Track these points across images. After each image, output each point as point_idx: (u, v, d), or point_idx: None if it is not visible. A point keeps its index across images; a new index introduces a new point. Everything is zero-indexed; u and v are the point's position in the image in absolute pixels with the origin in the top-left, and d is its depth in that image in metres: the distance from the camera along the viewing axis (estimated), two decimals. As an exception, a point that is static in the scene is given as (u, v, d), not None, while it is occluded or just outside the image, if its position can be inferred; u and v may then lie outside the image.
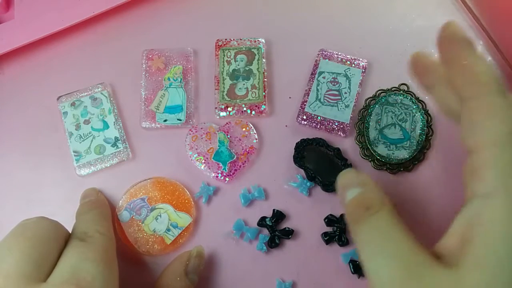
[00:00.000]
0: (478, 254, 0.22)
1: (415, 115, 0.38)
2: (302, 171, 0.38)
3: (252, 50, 0.41)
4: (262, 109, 0.39)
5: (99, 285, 0.27)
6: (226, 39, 0.41)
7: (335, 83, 0.40)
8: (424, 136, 0.38)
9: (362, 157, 0.38)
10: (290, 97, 0.40)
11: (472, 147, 0.25)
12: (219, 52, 0.41)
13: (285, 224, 0.37)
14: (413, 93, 0.39)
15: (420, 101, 0.39)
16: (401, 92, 0.39)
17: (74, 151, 0.38)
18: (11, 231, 0.28)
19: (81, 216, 0.34)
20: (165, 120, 0.39)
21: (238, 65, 0.40)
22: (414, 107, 0.38)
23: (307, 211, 0.37)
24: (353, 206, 0.28)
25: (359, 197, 0.28)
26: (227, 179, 0.38)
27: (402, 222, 0.26)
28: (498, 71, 0.26)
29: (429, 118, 0.38)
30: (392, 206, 0.27)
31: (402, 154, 0.37)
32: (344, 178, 0.30)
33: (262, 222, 0.36)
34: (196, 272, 0.34)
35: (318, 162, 0.37)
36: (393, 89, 0.39)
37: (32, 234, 0.28)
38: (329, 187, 0.37)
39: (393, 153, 0.38)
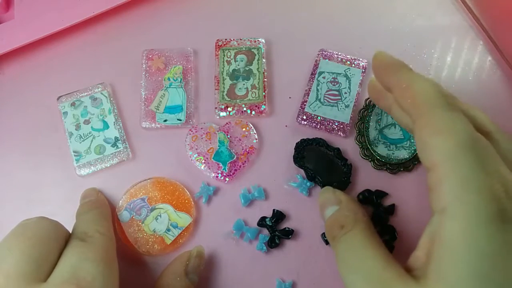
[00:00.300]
0: (439, 267, 0.23)
1: (415, 115, 0.38)
2: (302, 171, 0.38)
3: (252, 50, 0.41)
4: (262, 109, 0.39)
5: (99, 285, 0.27)
6: (226, 39, 0.41)
7: (335, 83, 0.40)
8: (424, 136, 0.38)
9: (362, 157, 0.38)
10: (290, 97, 0.40)
11: (427, 166, 0.25)
12: (219, 52, 0.41)
13: (285, 224, 0.37)
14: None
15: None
16: (401, 92, 0.39)
17: (74, 151, 0.38)
18: (11, 231, 0.28)
19: (81, 216, 0.34)
20: (165, 120, 0.39)
21: (238, 65, 0.40)
22: (414, 107, 0.38)
23: (307, 211, 0.37)
24: (330, 225, 0.30)
25: (334, 216, 0.30)
26: (227, 179, 0.38)
27: (375, 237, 0.28)
28: (439, 86, 0.27)
29: (429, 118, 0.38)
30: (366, 221, 0.29)
31: (402, 154, 0.37)
32: (322, 197, 0.33)
33: (262, 222, 0.36)
34: (196, 272, 0.34)
35: (318, 162, 0.37)
36: (393, 89, 0.39)
37: (32, 234, 0.28)
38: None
39: (393, 153, 0.38)
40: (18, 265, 0.26)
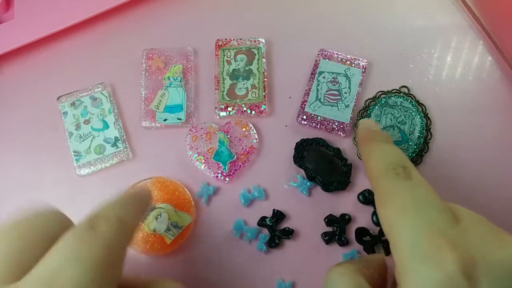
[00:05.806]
0: None
1: (414, 118, 0.38)
2: (302, 171, 0.38)
3: (252, 50, 0.41)
4: (262, 109, 0.39)
5: None
6: (226, 39, 0.41)
7: (335, 83, 0.40)
8: (422, 139, 0.38)
9: (359, 158, 0.38)
10: (290, 97, 0.40)
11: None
12: (219, 52, 0.41)
13: (285, 224, 0.37)
14: (413, 96, 0.39)
15: (421, 104, 0.39)
16: (402, 94, 0.39)
17: (74, 151, 0.38)
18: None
19: (110, 201, 0.25)
20: (165, 120, 0.39)
21: (238, 65, 0.40)
22: (414, 110, 0.38)
23: (307, 211, 0.37)
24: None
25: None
26: (227, 179, 0.38)
27: None
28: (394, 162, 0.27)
29: (429, 121, 0.38)
30: None
31: (402, 154, 0.37)
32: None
33: (262, 222, 0.36)
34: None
35: (318, 162, 0.37)
36: (393, 91, 0.39)
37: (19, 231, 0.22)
38: (329, 187, 0.37)
39: (392, 154, 0.37)
40: None
